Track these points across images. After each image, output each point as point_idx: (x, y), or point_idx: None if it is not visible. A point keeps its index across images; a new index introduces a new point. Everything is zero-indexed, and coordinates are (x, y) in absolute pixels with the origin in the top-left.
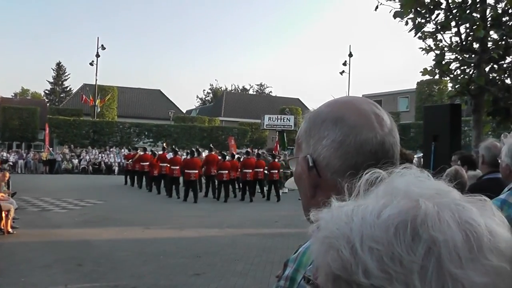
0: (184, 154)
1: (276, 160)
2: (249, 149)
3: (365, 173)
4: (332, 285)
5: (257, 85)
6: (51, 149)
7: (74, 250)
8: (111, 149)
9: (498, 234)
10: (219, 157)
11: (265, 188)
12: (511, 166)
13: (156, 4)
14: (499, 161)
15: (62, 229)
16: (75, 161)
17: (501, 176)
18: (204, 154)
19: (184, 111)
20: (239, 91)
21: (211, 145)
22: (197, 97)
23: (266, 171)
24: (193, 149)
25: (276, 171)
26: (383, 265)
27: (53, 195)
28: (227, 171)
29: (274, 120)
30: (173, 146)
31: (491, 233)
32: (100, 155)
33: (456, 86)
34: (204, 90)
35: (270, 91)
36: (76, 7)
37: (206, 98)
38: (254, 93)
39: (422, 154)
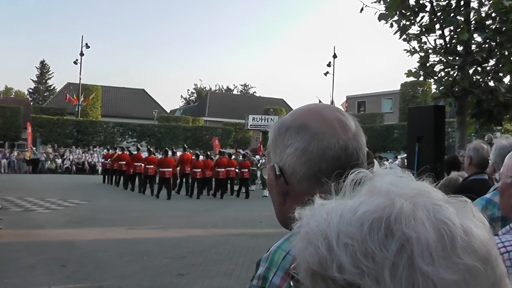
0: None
1: (246, 159)
2: (233, 150)
3: (351, 173)
4: (309, 281)
5: (242, 85)
6: (34, 148)
7: (57, 251)
8: (95, 149)
9: (474, 234)
10: (193, 157)
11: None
12: (495, 164)
13: (141, 4)
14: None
15: (45, 230)
16: (59, 160)
17: (488, 174)
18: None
19: (168, 111)
20: (224, 91)
21: (184, 145)
22: (181, 97)
23: (237, 170)
24: (166, 148)
25: (246, 170)
26: (356, 261)
27: (36, 195)
28: (200, 170)
29: (258, 120)
30: (148, 147)
31: (466, 233)
32: (83, 154)
33: (440, 88)
34: (188, 90)
35: (254, 92)
36: (60, 5)
37: (190, 98)
38: (238, 93)
39: (406, 155)
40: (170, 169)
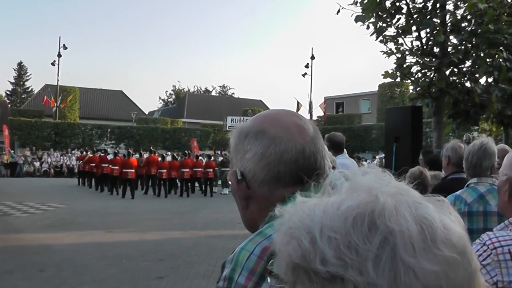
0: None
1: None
2: (211, 151)
3: (330, 172)
4: (291, 274)
5: (220, 86)
6: (12, 151)
7: (36, 255)
8: (73, 152)
9: (452, 229)
10: (159, 158)
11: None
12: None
13: (118, 5)
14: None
15: (23, 234)
16: (37, 164)
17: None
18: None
19: (147, 113)
20: (202, 92)
21: (151, 148)
22: (160, 98)
23: (203, 170)
24: (129, 150)
25: (211, 170)
26: (340, 253)
27: (14, 199)
28: (165, 170)
29: (236, 121)
30: (116, 150)
31: (445, 228)
32: (61, 157)
33: (417, 89)
34: (166, 91)
35: (233, 93)
36: (38, 6)
37: (169, 100)
38: (217, 94)
39: (384, 155)
40: (133, 170)
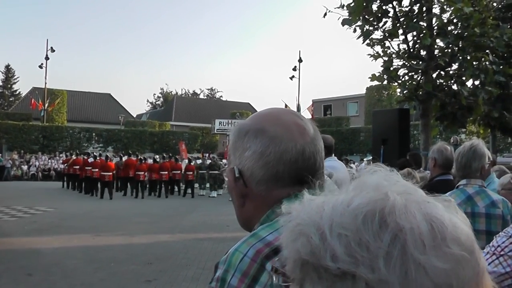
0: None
1: (192, 163)
2: (199, 154)
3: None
4: (299, 271)
5: (208, 89)
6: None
7: (23, 259)
8: (61, 155)
9: (460, 228)
10: (137, 161)
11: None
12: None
13: (106, 7)
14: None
15: (11, 238)
16: (25, 167)
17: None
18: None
19: (135, 116)
20: (190, 95)
21: (130, 151)
22: (148, 101)
23: (182, 173)
24: (107, 154)
25: (191, 172)
26: (350, 250)
27: (2, 203)
28: (143, 172)
29: (224, 124)
30: (96, 153)
31: (454, 226)
32: (49, 161)
33: (405, 92)
34: (154, 94)
35: (221, 96)
36: (25, 8)
37: (157, 103)
38: (205, 97)
39: (371, 158)
40: (110, 173)
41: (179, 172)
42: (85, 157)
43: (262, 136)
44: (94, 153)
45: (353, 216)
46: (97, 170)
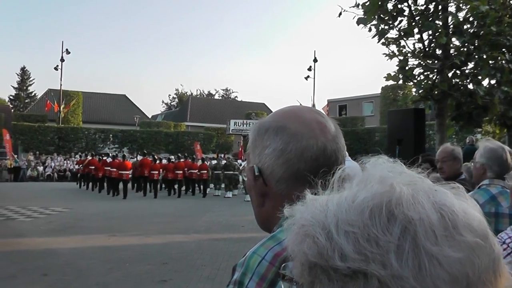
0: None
1: (206, 162)
2: (214, 155)
3: (337, 169)
4: (308, 274)
5: (223, 90)
6: (15, 156)
7: (39, 260)
8: (76, 156)
9: (472, 214)
10: (151, 160)
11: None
12: (486, 165)
13: (120, 9)
14: (473, 162)
15: (27, 238)
16: (40, 168)
17: (474, 176)
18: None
19: (150, 116)
20: (205, 96)
21: (144, 151)
22: (163, 102)
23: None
24: (124, 153)
25: (205, 171)
26: (359, 247)
27: (18, 204)
28: (157, 172)
29: (239, 125)
30: (116, 154)
31: (465, 212)
32: (65, 162)
33: (420, 91)
34: (169, 95)
35: (236, 96)
36: (41, 11)
37: (172, 103)
38: (220, 98)
39: None
40: (128, 172)
41: (196, 171)
42: (104, 157)
43: (282, 133)
44: (113, 154)
45: (359, 211)
46: (115, 169)
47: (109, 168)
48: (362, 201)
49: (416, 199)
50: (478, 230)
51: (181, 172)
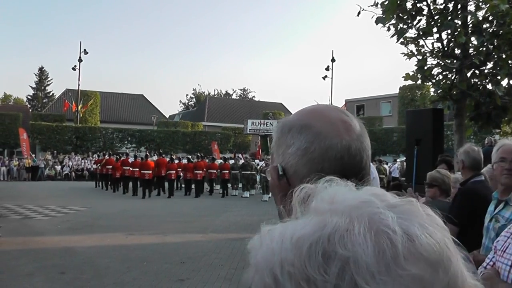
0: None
1: (228, 162)
2: (232, 155)
3: (295, 190)
4: None
5: (240, 89)
6: (33, 155)
7: (57, 258)
8: (94, 155)
9: (419, 238)
10: (168, 160)
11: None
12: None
13: (138, 9)
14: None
15: (45, 237)
16: (58, 167)
17: (496, 177)
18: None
19: (167, 116)
20: (222, 95)
21: (160, 151)
22: (180, 102)
23: (219, 172)
24: (147, 153)
25: (227, 171)
26: None
27: (36, 202)
28: (174, 171)
29: (257, 124)
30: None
31: (410, 239)
32: (82, 161)
33: (438, 91)
34: (187, 95)
35: (253, 96)
36: (59, 11)
37: (189, 103)
38: (237, 97)
39: (405, 158)
40: (150, 171)
41: (215, 171)
42: (125, 157)
43: (306, 132)
44: (135, 154)
45: (297, 250)
46: (137, 169)
47: (129, 168)
48: (300, 239)
49: (352, 232)
50: (426, 257)
51: (200, 172)
